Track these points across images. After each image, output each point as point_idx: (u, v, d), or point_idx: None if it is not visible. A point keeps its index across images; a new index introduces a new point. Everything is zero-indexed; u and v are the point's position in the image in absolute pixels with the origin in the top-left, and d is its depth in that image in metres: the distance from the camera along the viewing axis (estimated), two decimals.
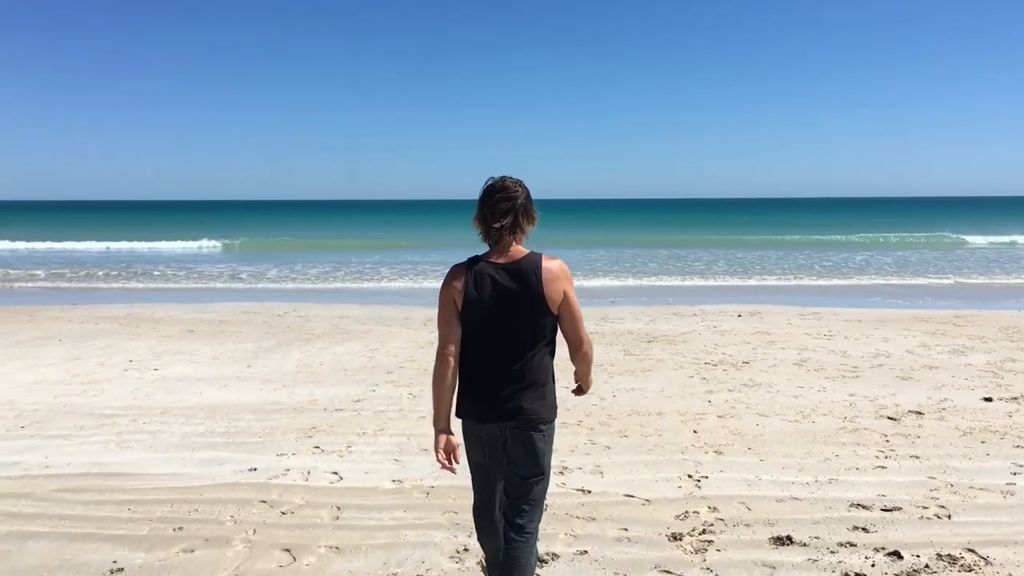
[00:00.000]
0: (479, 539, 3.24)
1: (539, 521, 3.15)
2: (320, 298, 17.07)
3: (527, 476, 3.05)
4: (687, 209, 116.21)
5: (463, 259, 3.07)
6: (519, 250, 3.01)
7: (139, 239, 34.37)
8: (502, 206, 2.97)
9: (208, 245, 32.49)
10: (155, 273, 23.09)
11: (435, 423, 3.01)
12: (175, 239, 34.31)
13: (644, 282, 20.56)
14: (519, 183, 3.05)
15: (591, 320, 12.33)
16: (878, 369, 8.90)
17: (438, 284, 3.21)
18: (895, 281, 20.61)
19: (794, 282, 20.57)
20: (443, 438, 3.01)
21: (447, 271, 3.07)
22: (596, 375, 8.24)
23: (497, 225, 2.97)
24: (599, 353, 9.98)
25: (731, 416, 6.83)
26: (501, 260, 2.99)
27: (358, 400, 7.53)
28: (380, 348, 10.52)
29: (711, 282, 20.66)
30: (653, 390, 7.89)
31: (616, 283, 20.16)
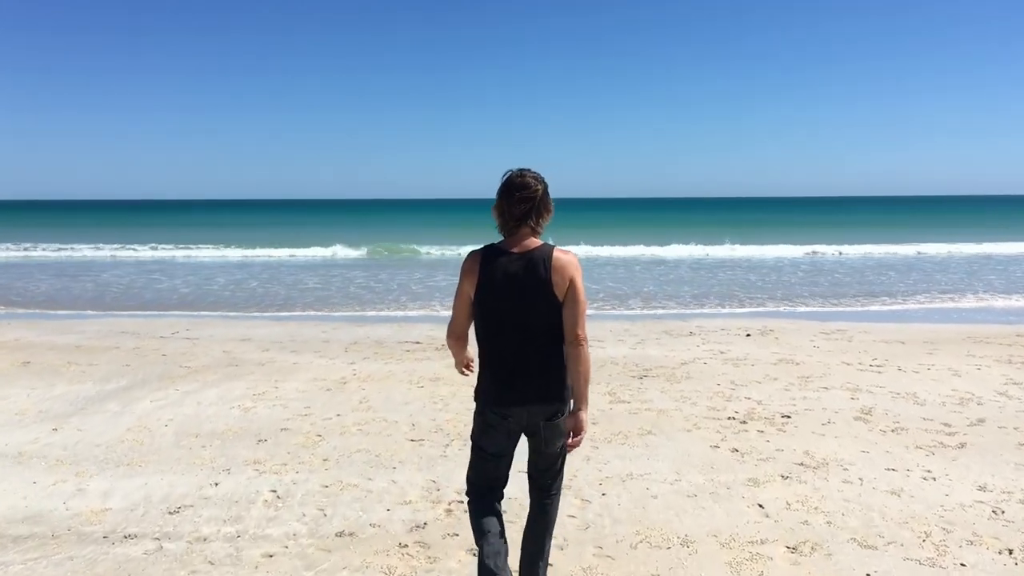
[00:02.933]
0: (478, 535, 3.10)
1: (563, 479, 3.27)
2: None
3: (555, 452, 3.12)
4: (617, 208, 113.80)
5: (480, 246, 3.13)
6: (533, 241, 3.03)
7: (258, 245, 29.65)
8: (522, 206, 3.00)
9: (343, 253, 27.48)
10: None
11: (455, 357, 3.31)
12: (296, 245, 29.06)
13: (615, 290, 17.69)
14: (539, 179, 3.05)
15: None
16: (981, 428, 6.09)
17: None
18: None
19: (789, 290, 17.85)
20: (460, 355, 3.29)
21: (464, 258, 3.11)
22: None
23: (515, 220, 3.01)
24: None
25: (812, 548, 3.93)
26: (515, 249, 3.01)
27: (176, 510, 4.51)
28: (269, 391, 7.49)
29: (689, 290, 17.83)
30: (663, 479, 4.98)
31: (593, 285, 17.26)
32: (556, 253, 3.00)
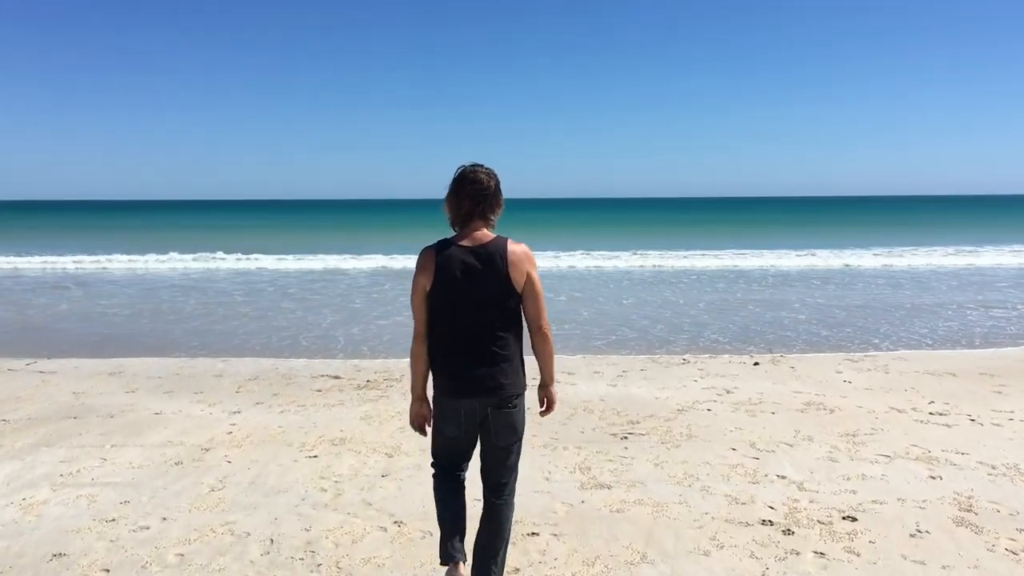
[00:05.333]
0: (440, 506, 3.22)
1: (516, 482, 3.25)
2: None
3: (505, 445, 3.13)
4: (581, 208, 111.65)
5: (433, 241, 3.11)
6: (486, 234, 3.06)
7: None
8: (474, 200, 3.04)
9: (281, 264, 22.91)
10: None
11: (412, 391, 3.21)
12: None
13: (588, 296, 15.39)
14: (490, 173, 3.10)
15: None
16: None
17: None
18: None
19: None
20: (418, 405, 3.21)
21: (419, 253, 3.08)
22: None
23: (467, 212, 3.05)
24: (537, 466, 4.87)
25: None
26: (469, 244, 3.03)
27: None
28: (88, 469, 5.15)
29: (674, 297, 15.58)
30: None
31: (558, 297, 14.93)
32: (511, 246, 3.03)
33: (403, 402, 6.99)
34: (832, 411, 6.56)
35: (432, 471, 3.29)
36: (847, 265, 22.02)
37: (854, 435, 5.84)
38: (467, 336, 3.00)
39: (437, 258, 3.01)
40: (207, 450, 5.58)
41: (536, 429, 6.01)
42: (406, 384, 7.73)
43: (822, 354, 9.43)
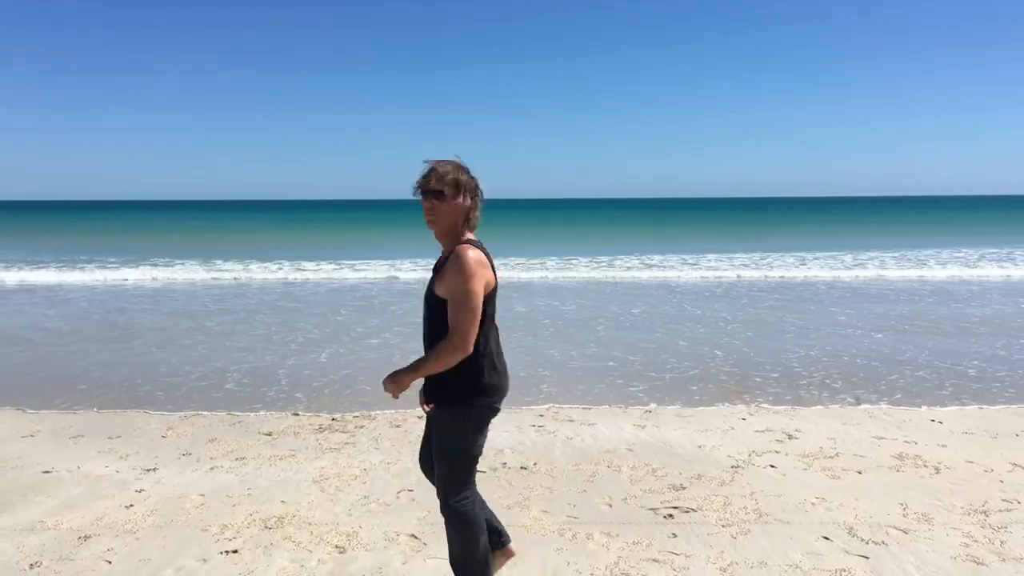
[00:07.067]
0: (480, 528, 3.03)
1: (452, 499, 3.06)
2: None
3: (436, 448, 3.07)
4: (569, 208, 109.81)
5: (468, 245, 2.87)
6: (470, 238, 2.95)
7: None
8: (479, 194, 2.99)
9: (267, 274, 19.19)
10: None
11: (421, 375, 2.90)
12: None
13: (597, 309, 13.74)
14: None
15: (527, 416, 5.79)
16: None
17: None
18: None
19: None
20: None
21: (472, 256, 2.76)
22: None
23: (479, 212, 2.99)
24: (552, 569, 3.28)
25: None
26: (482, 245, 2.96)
27: None
28: None
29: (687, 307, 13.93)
30: None
31: (563, 306, 13.27)
32: (457, 249, 2.84)
33: (374, 451, 5.42)
34: (937, 469, 4.96)
35: (465, 500, 3.10)
36: (878, 276, 20.39)
37: (984, 512, 4.24)
38: (498, 336, 3.00)
39: (490, 259, 2.93)
40: (86, 539, 3.97)
41: (547, 501, 4.41)
42: (379, 425, 6.14)
43: (897, 385, 7.80)
